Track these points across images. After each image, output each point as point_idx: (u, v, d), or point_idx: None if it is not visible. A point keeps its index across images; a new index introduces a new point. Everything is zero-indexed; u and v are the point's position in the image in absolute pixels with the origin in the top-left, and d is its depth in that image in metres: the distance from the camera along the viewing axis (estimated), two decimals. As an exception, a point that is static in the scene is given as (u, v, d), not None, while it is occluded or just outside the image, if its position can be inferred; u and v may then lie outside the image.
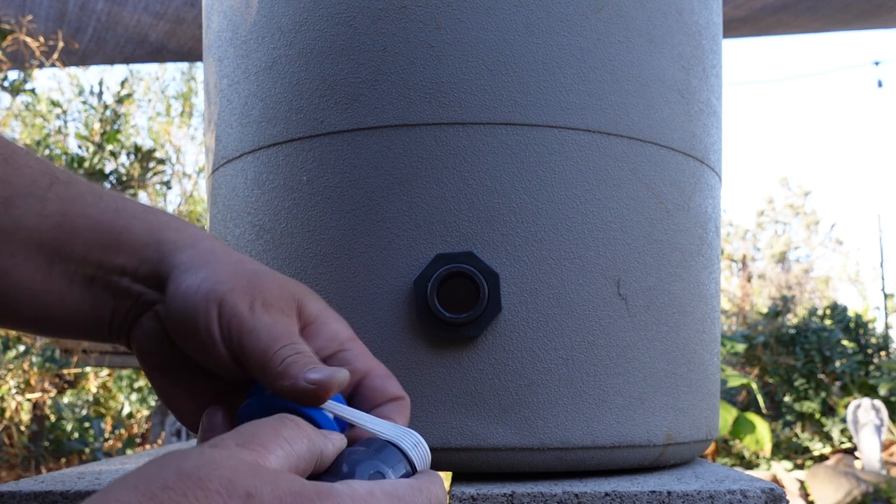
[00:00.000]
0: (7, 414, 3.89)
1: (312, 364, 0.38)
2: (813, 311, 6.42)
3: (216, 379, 0.43)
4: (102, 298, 0.43)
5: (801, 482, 4.55)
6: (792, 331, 5.99)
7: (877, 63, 8.26)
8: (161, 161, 5.06)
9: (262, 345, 0.39)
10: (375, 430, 0.39)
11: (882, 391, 5.56)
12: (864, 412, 4.97)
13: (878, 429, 4.88)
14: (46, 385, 3.93)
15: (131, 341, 0.44)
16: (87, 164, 4.56)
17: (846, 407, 5.33)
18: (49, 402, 4.30)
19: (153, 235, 0.42)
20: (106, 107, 5.01)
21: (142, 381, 5.69)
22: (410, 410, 0.43)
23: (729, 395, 5.55)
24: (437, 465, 0.58)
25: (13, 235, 0.41)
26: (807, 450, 5.47)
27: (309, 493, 0.29)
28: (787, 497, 0.55)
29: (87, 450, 4.22)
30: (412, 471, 0.38)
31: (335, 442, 0.35)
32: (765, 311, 7.01)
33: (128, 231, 0.42)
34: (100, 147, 4.73)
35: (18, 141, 5.52)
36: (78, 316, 0.43)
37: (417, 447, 0.39)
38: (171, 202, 7.40)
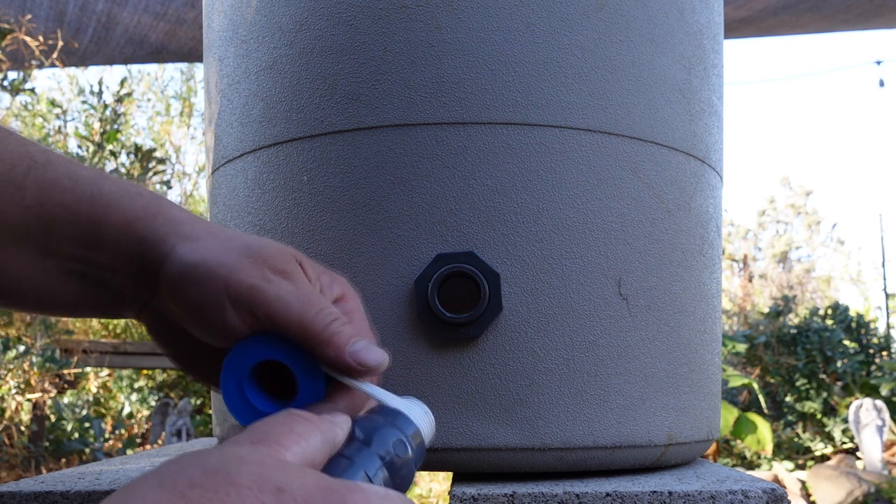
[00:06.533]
0: (7, 414, 3.89)
1: (355, 336, 0.39)
2: (814, 311, 6.41)
3: None
4: (100, 292, 0.43)
5: (803, 482, 4.55)
6: (793, 331, 5.98)
7: (878, 62, 8.27)
8: (161, 161, 5.06)
9: (294, 310, 0.38)
10: (384, 399, 0.39)
11: (884, 391, 5.56)
12: (865, 412, 4.97)
13: (880, 429, 4.88)
14: (46, 385, 3.93)
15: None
16: (87, 164, 4.55)
17: (848, 407, 5.33)
18: (49, 402, 4.29)
19: (131, 228, 0.41)
20: (106, 106, 5.02)
21: (142, 381, 5.69)
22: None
23: (730, 395, 5.55)
24: (438, 466, 0.58)
25: (1, 229, 0.41)
26: (808, 450, 5.47)
27: (338, 488, 0.29)
28: (789, 497, 0.55)
29: (87, 450, 4.22)
30: (422, 439, 0.39)
31: (343, 427, 0.35)
32: (766, 310, 7.00)
33: (106, 223, 0.41)
34: (100, 147, 4.73)
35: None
36: (82, 304, 0.44)
37: (427, 416, 0.40)
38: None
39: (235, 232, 0.43)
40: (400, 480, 0.35)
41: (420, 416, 0.39)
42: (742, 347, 5.29)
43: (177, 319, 0.42)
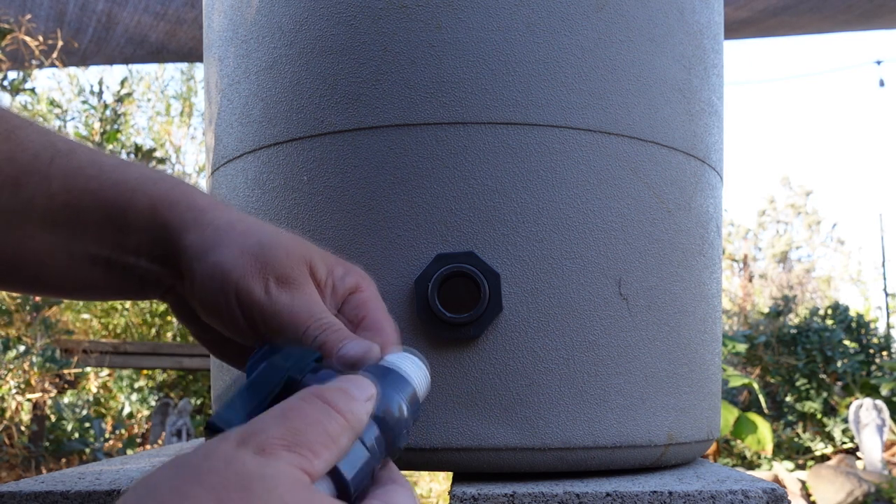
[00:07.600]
0: (7, 414, 3.89)
1: (343, 338, 0.40)
2: (814, 311, 6.41)
3: None
4: (125, 275, 0.44)
5: (803, 482, 4.55)
6: (793, 331, 5.98)
7: (878, 62, 8.28)
8: (161, 160, 5.06)
9: (289, 327, 0.40)
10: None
11: (884, 391, 5.55)
12: (865, 412, 4.97)
13: (880, 429, 4.88)
14: (47, 385, 3.92)
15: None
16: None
17: (848, 407, 5.33)
18: (49, 402, 4.29)
19: (156, 213, 0.43)
20: (106, 106, 5.02)
21: (142, 381, 5.68)
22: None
23: (730, 395, 5.55)
24: (438, 466, 0.58)
25: (28, 217, 0.42)
26: (808, 450, 5.47)
27: None
28: (789, 497, 0.55)
29: (87, 450, 4.22)
30: (416, 396, 0.39)
31: (368, 407, 0.34)
32: (766, 310, 7.00)
33: (132, 208, 0.43)
34: (100, 146, 4.73)
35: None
36: (108, 288, 0.45)
37: (420, 369, 0.40)
38: (172, 202, 7.38)
39: (253, 224, 0.44)
40: (393, 439, 0.35)
41: (414, 371, 0.39)
42: (742, 347, 5.28)
43: (197, 311, 0.44)
